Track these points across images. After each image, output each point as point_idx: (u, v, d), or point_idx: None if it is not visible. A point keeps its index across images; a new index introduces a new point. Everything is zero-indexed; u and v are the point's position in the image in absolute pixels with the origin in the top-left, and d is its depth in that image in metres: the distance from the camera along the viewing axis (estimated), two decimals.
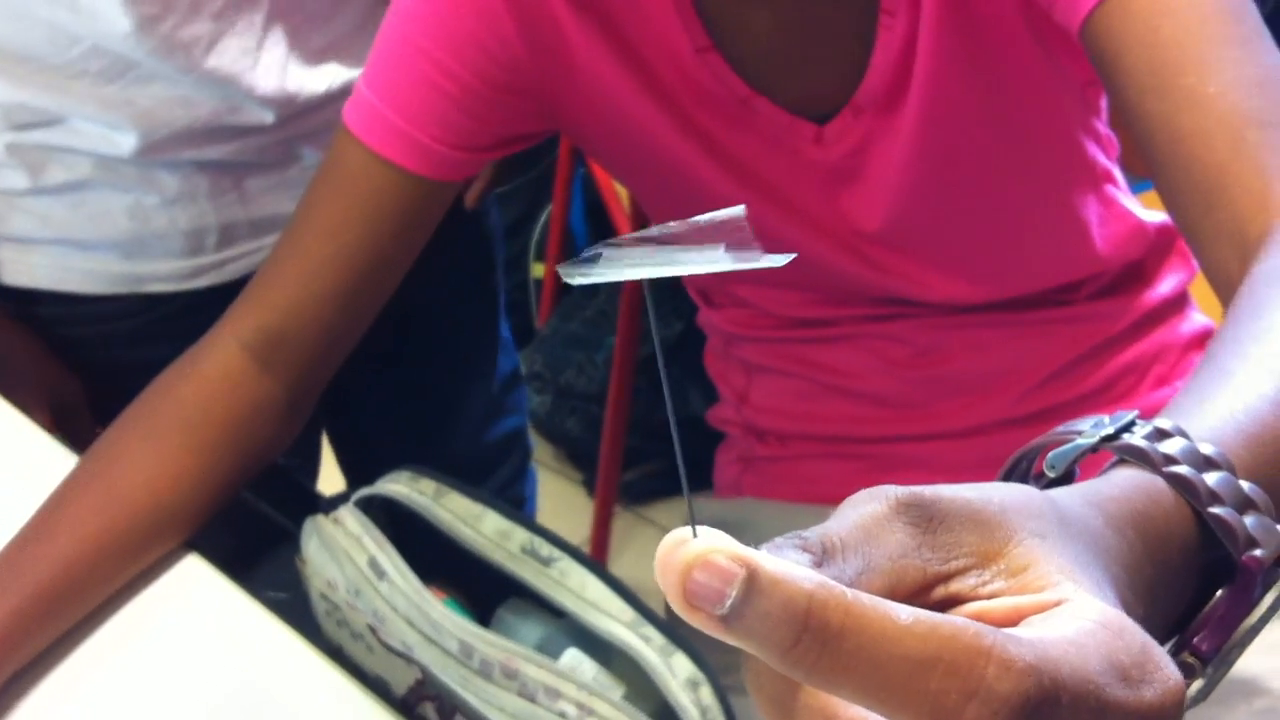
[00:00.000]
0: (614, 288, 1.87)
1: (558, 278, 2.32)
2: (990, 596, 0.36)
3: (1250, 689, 0.84)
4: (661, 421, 2.08)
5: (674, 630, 0.74)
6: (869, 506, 0.37)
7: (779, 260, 0.34)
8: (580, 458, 2.19)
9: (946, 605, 0.36)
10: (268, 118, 1.05)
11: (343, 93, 1.06)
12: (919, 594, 0.36)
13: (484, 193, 1.32)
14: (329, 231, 0.88)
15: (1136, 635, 0.35)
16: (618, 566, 1.96)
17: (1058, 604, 0.35)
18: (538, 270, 2.33)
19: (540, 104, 0.89)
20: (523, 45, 0.85)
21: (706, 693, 0.71)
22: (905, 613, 0.32)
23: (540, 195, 2.27)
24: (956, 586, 0.36)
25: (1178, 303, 1.05)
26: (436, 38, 0.85)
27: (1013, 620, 0.35)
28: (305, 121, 1.09)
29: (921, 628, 0.32)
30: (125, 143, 1.03)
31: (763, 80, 0.86)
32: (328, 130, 1.02)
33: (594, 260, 0.35)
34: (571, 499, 2.14)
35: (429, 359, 1.31)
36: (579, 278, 0.34)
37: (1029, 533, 0.37)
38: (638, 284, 1.76)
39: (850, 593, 0.33)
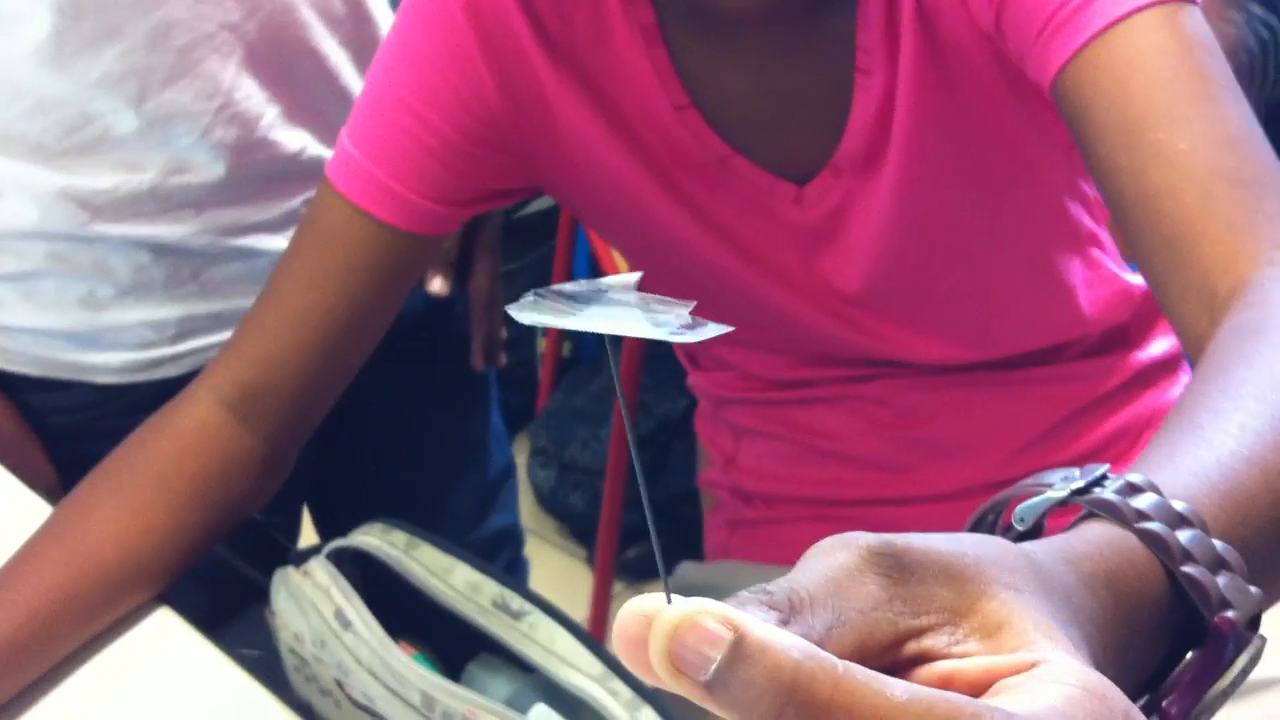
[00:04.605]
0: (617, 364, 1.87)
1: (559, 353, 2.33)
2: (963, 655, 0.35)
3: None
4: (665, 498, 2.07)
5: (642, 685, 0.73)
6: (838, 556, 0.36)
7: (719, 330, 0.34)
8: (583, 534, 2.18)
9: (917, 662, 0.35)
10: (218, 170, 1.01)
11: (310, 167, 1.03)
12: (890, 649, 0.35)
13: (491, 275, 1.29)
14: (308, 284, 0.88)
15: (1120, 701, 0.34)
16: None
17: (1034, 665, 0.34)
18: (545, 345, 2.34)
19: (519, 159, 0.89)
20: (500, 100, 0.85)
21: None
22: (900, 688, 0.31)
23: (546, 273, 2.28)
24: (929, 643, 0.35)
25: (1169, 365, 1.03)
26: (416, 90, 0.85)
27: (986, 682, 0.34)
28: (263, 198, 1.05)
29: (917, 706, 0.31)
30: (67, 217, 0.99)
31: (742, 140, 0.86)
32: (291, 221, 0.99)
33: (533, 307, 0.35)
34: (573, 575, 2.13)
35: (417, 457, 1.27)
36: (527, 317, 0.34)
37: (1003, 586, 0.36)
38: (636, 360, 1.72)
39: (842, 665, 0.32)
